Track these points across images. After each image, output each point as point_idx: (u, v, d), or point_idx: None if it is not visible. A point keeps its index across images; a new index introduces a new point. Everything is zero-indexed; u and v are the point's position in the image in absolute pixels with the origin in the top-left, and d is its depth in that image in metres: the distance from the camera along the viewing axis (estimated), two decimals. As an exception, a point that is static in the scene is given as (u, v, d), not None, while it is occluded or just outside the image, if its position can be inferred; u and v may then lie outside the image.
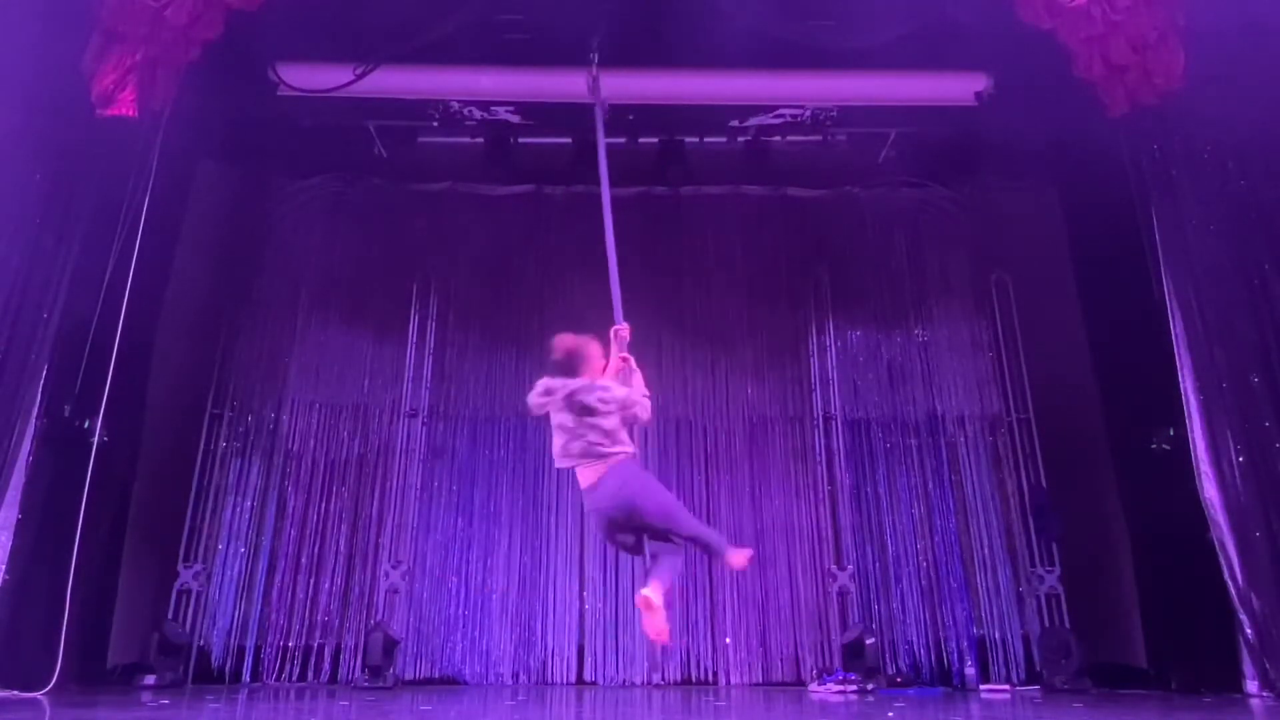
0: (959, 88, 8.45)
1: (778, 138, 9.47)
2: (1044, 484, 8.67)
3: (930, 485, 8.91)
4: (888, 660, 8.21)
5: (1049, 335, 9.08)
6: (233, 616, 8.27)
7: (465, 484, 8.89)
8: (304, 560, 8.49)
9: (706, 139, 9.63)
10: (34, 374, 6.70)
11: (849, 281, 9.61)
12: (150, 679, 7.56)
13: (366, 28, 7.79)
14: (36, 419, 6.78)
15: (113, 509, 7.53)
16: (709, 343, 9.40)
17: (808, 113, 9.02)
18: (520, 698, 7.24)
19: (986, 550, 8.65)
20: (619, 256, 5.22)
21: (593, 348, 4.51)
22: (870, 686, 7.67)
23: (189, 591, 8.24)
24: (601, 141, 5.70)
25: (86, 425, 7.09)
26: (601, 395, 4.34)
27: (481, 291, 9.53)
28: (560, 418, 4.39)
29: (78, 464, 6.83)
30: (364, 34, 7.83)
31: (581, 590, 8.53)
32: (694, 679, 8.24)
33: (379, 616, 8.25)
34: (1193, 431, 6.78)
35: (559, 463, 4.47)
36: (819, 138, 9.49)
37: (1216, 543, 6.53)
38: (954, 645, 8.34)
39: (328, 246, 9.60)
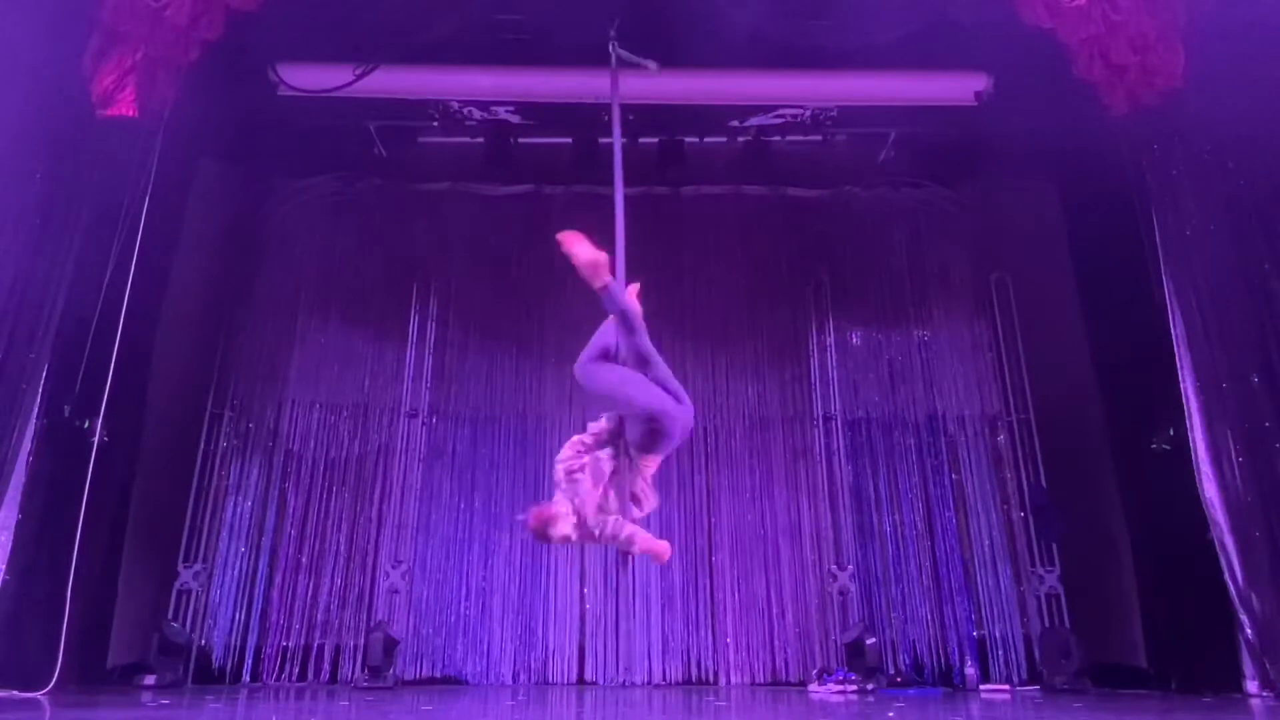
0: (959, 88, 8.45)
1: (778, 138, 9.47)
2: (1044, 484, 8.68)
3: (930, 485, 8.91)
4: (888, 660, 8.21)
5: (1049, 335, 9.08)
6: (233, 616, 8.27)
7: (465, 484, 8.90)
8: (304, 560, 8.50)
9: (706, 139, 9.62)
10: (34, 374, 6.69)
11: (849, 281, 9.62)
12: (150, 679, 7.56)
13: (366, 28, 7.78)
14: (36, 419, 6.78)
15: (113, 509, 7.52)
16: (709, 343, 9.39)
17: (808, 113, 9.03)
18: (520, 698, 7.24)
19: (987, 550, 8.66)
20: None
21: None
22: (870, 686, 7.68)
23: (189, 591, 8.25)
24: (617, 137, 5.41)
25: (86, 425, 7.08)
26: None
27: (481, 291, 9.53)
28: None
29: (78, 464, 6.82)
30: (364, 34, 7.83)
31: (582, 590, 8.54)
32: (694, 679, 8.25)
33: (379, 616, 8.26)
34: (1193, 431, 6.78)
35: None
36: (819, 138, 9.50)
37: (1216, 543, 6.53)
38: (954, 645, 8.35)
39: (328, 246, 9.60)
